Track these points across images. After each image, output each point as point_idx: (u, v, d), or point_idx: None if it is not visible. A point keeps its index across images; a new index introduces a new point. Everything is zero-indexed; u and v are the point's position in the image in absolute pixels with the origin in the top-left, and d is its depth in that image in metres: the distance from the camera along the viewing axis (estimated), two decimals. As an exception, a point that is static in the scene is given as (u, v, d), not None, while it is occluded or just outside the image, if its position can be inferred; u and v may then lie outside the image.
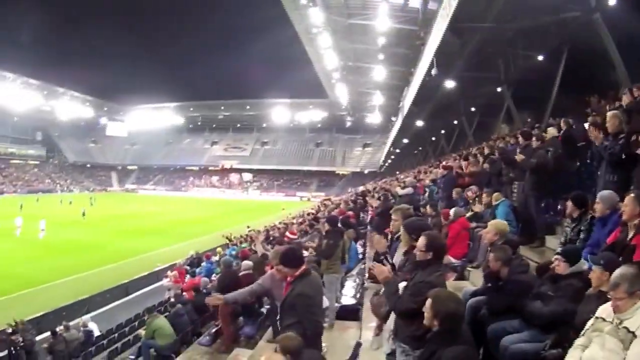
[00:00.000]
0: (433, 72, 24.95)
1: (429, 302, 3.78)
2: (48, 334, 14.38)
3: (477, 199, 10.50)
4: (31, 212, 49.32)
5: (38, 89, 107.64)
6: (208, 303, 9.86)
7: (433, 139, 57.54)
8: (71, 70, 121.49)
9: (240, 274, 11.22)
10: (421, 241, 4.48)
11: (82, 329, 15.00)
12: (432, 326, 3.79)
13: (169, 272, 19.60)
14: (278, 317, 5.62)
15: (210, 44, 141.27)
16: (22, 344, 13.17)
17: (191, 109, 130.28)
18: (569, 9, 19.91)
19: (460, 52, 25.79)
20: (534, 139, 9.75)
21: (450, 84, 29.35)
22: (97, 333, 15.42)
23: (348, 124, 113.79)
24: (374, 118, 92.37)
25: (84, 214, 53.85)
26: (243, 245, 23.18)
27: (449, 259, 8.19)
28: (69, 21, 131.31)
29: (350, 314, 8.95)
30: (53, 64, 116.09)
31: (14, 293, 23.33)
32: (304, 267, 5.12)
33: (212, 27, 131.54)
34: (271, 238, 21.29)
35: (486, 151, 15.43)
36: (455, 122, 45.29)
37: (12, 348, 13.01)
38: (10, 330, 13.90)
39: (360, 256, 13.11)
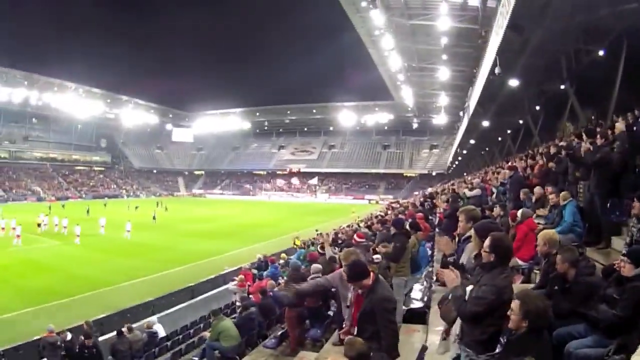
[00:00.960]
0: (496, 70, 24.63)
1: (516, 302, 3.68)
2: (112, 334, 14.50)
3: (544, 199, 10.36)
4: (100, 216, 50.51)
5: (101, 97, 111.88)
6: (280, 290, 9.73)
7: (499, 139, 56.62)
8: (135, 80, 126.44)
9: (310, 277, 11.03)
10: (486, 243, 4.42)
11: (146, 330, 15.09)
12: (519, 328, 3.66)
13: (235, 277, 19.66)
14: (353, 327, 5.50)
15: (274, 49, 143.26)
16: (85, 344, 13.36)
17: (257, 114, 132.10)
18: (626, 0, 19.08)
19: (522, 49, 25.31)
20: (598, 136, 9.29)
21: (514, 82, 28.83)
22: (162, 334, 15.50)
23: (414, 125, 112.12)
24: (440, 119, 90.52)
25: (154, 218, 55.28)
26: (311, 248, 23.02)
27: (517, 261, 7.89)
28: (131, 32, 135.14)
29: (417, 317, 8.86)
30: (117, 74, 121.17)
31: (82, 294, 23.92)
32: (373, 274, 5.22)
33: (276, 33, 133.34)
34: (340, 241, 21.03)
35: (552, 150, 15.06)
36: (521, 121, 44.26)
37: (75, 348, 13.18)
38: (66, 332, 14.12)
39: (429, 259, 12.75)
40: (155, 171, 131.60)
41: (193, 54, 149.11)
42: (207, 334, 12.12)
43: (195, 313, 18.44)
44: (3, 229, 43.50)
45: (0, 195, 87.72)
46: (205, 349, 11.64)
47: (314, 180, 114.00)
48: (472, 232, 5.45)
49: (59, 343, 13.06)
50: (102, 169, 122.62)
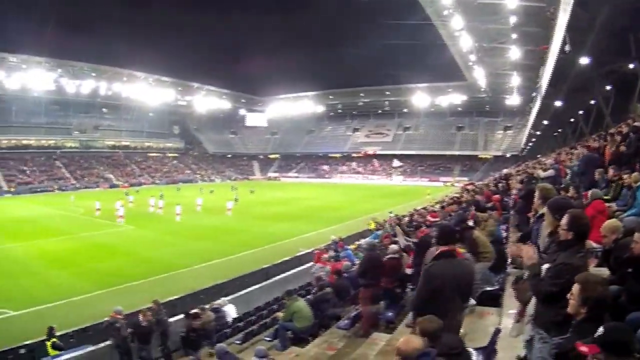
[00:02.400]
0: (566, 48, 24.08)
1: (576, 287, 3.55)
2: (183, 316, 14.68)
3: (616, 180, 10.00)
4: (176, 200, 51.97)
5: (172, 85, 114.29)
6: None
7: (571, 120, 55.53)
8: (206, 67, 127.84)
9: (385, 257, 10.93)
10: (563, 220, 4.36)
11: (215, 310, 15.20)
12: (577, 314, 3.56)
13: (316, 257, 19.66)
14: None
15: (344, 31, 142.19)
16: (154, 324, 13.64)
17: (330, 97, 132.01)
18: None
19: (590, 26, 25.11)
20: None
21: (584, 60, 28.36)
22: (234, 316, 15.58)
23: (488, 106, 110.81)
24: (513, 100, 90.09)
25: (236, 200, 55.81)
26: (386, 228, 22.80)
27: (590, 243, 7.49)
28: (197, 19, 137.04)
29: (491, 299, 8.55)
30: (187, 62, 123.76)
31: (155, 276, 24.58)
32: (442, 248, 5.52)
33: (345, 15, 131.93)
34: (414, 222, 20.74)
35: (624, 131, 14.36)
36: (592, 101, 43.82)
37: (144, 328, 13.45)
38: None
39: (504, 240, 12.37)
40: (229, 156, 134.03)
41: (263, 39, 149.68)
42: (280, 314, 12.15)
43: (269, 295, 18.51)
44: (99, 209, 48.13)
45: (72, 184, 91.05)
46: (277, 329, 11.65)
47: (397, 162, 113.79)
48: (545, 209, 5.42)
49: (117, 325, 13.28)
50: (176, 155, 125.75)
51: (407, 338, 4.17)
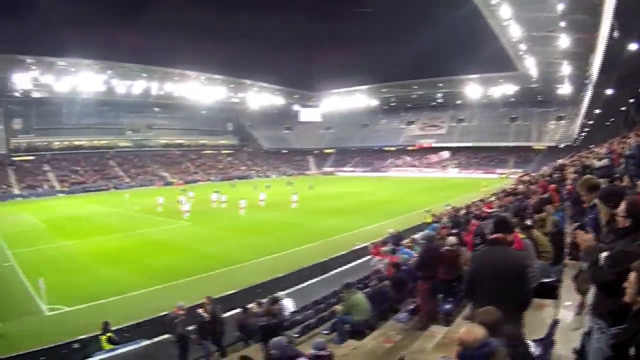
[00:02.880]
0: (615, 34, 23.34)
1: (633, 275, 3.43)
2: (239, 310, 14.87)
3: None
4: (238, 196, 53.59)
5: (223, 83, 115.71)
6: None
7: (622, 108, 53.88)
8: (258, 64, 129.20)
9: (443, 249, 10.88)
10: (621, 206, 4.31)
11: (271, 304, 15.33)
12: (634, 303, 3.43)
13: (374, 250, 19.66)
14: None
15: (395, 25, 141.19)
16: (208, 318, 13.79)
17: (383, 91, 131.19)
18: None
19: (638, 10, 23.62)
20: None
21: (633, 46, 27.09)
22: (291, 309, 15.68)
23: (540, 96, 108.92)
24: (565, 89, 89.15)
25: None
26: (443, 221, 22.68)
27: None
28: (248, 15, 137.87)
29: (548, 291, 8.29)
30: (239, 59, 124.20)
31: (211, 272, 24.96)
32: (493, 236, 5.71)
33: (397, 8, 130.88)
34: (471, 214, 20.62)
35: None
36: None
37: (204, 322, 13.68)
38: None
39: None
40: (284, 151, 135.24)
41: (315, 34, 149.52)
42: (338, 307, 12.14)
43: (327, 288, 18.54)
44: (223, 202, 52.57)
45: (126, 182, 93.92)
46: (335, 322, 11.65)
47: (445, 154, 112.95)
48: (597, 200, 5.43)
49: (178, 319, 13.56)
50: (230, 151, 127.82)
51: (469, 328, 4.16)
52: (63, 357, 14.04)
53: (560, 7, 38.86)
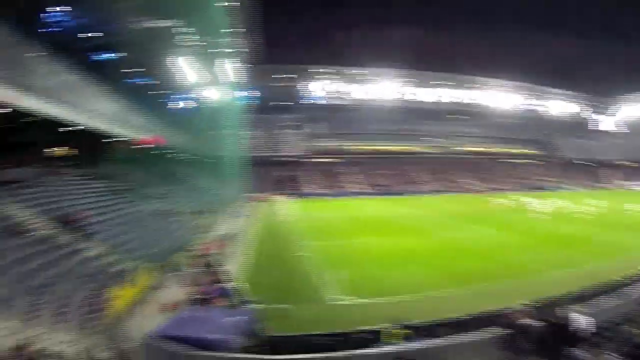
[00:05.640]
0: None
1: None
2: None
3: None
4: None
5: (525, 90, 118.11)
6: None
7: None
8: (562, 71, 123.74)
9: None
10: None
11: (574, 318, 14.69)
12: None
13: None
14: None
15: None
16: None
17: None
18: None
19: None
20: None
21: None
22: (584, 326, 14.93)
23: None
24: None
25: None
26: None
27: None
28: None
29: None
30: (542, 66, 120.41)
31: (513, 279, 24.84)
32: None
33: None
34: None
35: None
36: None
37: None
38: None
39: None
40: (581, 162, 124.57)
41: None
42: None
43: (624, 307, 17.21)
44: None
45: (434, 189, 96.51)
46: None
47: None
48: None
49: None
50: (533, 161, 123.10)
51: None
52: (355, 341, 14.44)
53: None
